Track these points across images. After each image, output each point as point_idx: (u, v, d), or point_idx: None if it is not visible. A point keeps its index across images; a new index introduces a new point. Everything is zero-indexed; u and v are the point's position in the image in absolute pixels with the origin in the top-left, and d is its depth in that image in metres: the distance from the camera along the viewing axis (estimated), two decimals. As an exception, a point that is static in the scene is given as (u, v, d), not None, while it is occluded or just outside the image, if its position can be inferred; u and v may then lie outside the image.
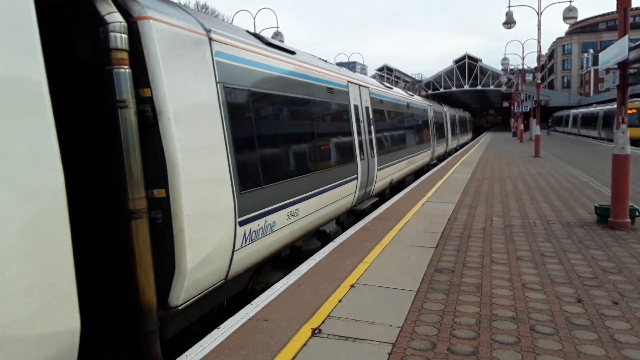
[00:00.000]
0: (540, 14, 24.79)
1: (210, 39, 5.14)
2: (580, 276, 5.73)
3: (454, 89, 69.33)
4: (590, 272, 5.87)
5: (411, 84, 71.98)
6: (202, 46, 4.97)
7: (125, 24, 3.98)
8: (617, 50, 7.97)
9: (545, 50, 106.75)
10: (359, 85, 11.13)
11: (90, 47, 4.18)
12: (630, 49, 7.56)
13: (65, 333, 3.20)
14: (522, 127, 42.80)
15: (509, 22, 23.43)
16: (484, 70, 67.67)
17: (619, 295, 5.09)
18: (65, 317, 3.19)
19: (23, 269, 2.91)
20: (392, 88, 16.71)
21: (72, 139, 3.81)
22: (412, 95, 21.59)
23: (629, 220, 8.17)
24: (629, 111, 10.04)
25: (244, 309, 4.85)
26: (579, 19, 22.72)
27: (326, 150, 8.57)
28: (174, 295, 4.35)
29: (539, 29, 25.34)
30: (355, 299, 5.09)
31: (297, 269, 6.24)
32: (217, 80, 5.15)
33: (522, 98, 42.44)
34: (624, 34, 7.69)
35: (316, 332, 4.28)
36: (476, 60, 68.30)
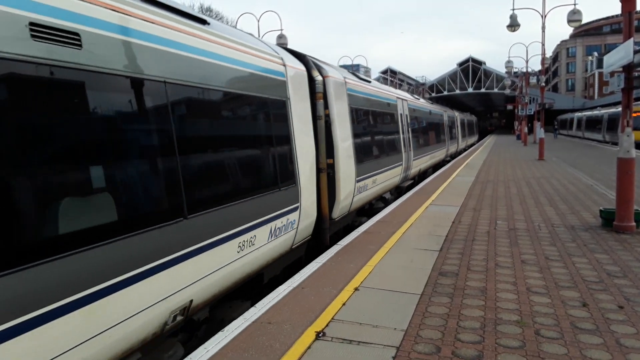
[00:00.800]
0: (545, 16, 24.77)
1: (345, 82, 9.63)
2: (585, 280, 5.70)
3: (457, 91, 69.27)
4: (595, 276, 5.84)
5: (415, 87, 71.92)
6: (343, 86, 9.44)
7: (322, 80, 8.14)
8: (622, 53, 7.94)
9: (549, 53, 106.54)
10: (402, 99, 15.66)
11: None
12: (636, 52, 7.53)
13: (314, 216, 7.65)
14: (526, 130, 42.66)
15: (513, 25, 23.42)
16: (487, 73, 67.60)
17: (625, 299, 5.06)
18: (314, 210, 7.68)
19: (312, 190, 7.49)
20: (419, 99, 22.28)
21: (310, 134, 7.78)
22: (432, 103, 26.24)
23: (634, 224, 8.13)
24: (634, 114, 10.00)
25: (248, 311, 4.85)
26: (584, 21, 22.67)
27: (389, 143, 13.01)
28: (334, 213, 8.55)
29: (543, 31, 25.29)
30: (359, 302, 5.08)
31: (301, 271, 6.23)
32: (348, 103, 9.58)
33: (526, 101, 42.32)
34: (629, 37, 7.66)
35: (320, 335, 4.27)
36: (480, 63, 68.24)
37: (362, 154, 10.12)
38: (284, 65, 6.86)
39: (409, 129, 16.14)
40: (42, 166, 3.05)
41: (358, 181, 9.64)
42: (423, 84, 74.09)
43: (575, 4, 21.46)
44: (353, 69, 49.84)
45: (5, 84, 2.87)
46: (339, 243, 7.71)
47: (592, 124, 47.74)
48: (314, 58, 8.79)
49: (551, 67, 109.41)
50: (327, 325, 4.49)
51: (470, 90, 68.18)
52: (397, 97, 15.17)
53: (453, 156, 29.82)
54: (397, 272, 6.09)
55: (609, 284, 5.55)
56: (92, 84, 3.47)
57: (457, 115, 34.32)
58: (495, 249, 7.22)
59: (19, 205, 2.89)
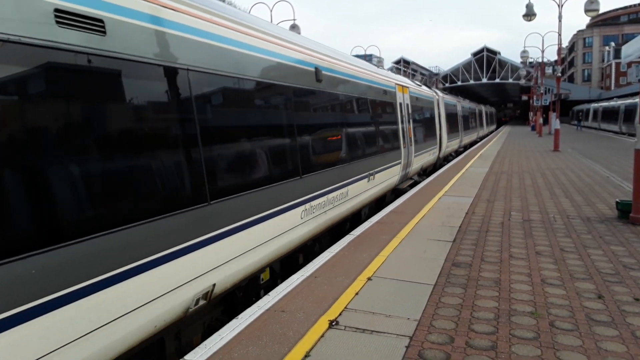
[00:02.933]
0: (562, 6, 24.34)
1: (438, 96, 19.65)
2: (600, 272, 5.64)
3: (471, 82, 68.58)
4: (611, 268, 5.78)
5: (428, 77, 71.34)
6: (437, 99, 19.16)
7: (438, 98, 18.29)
8: (641, 43, 7.80)
9: (565, 43, 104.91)
10: (459, 102, 21.53)
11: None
12: (656, 41, 7.40)
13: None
14: (541, 120, 42.15)
15: (529, 14, 23.08)
16: (502, 63, 66.79)
17: (641, 291, 5.00)
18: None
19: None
20: (460, 99, 29.82)
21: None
22: (464, 100, 33.00)
23: (651, 216, 8.02)
24: (653, 105, 9.83)
25: (262, 299, 4.88)
26: (601, 11, 22.23)
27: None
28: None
29: (560, 21, 24.88)
30: (372, 292, 5.08)
31: (314, 261, 6.25)
32: (438, 108, 18.85)
33: (542, 91, 41.80)
34: (650, 26, 7.51)
35: (333, 324, 4.29)
36: (495, 53, 67.43)
37: (441, 134, 18.01)
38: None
39: (443, 120, 20.40)
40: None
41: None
42: (437, 74, 73.48)
43: (593, -7, 21.02)
44: (366, 59, 49.52)
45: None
46: (351, 233, 7.70)
47: (609, 115, 47.01)
48: None
49: (567, 58, 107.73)
50: (340, 314, 4.50)
51: (484, 80, 67.47)
52: (457, 101, 22.34)
53: (482, 138, 38.83)
54: (410, 263, 6.08)
55: (625, 276, 5.49)
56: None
57: (483, 107, 43.59)
58: (509, 240, 7.17)
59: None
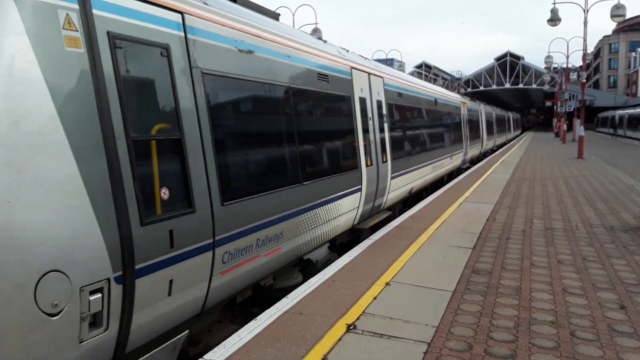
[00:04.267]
0: (587, 11, 23.98)
1: (480, 107, 24.86)
2: (623, 282, 5.55)
3: (494, 87, 67.88)
4: (634, 279, 5.67)
5: (450, 82, 70.83)
6: (480, 109, 24.40)
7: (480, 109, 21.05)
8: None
9: (590, 49, 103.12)
10: (483, 108, 22.84)
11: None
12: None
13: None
14: (565, 127, 41.51)
15: (554, 19, 22.79)
16: (526, 69, 65.96)
17: (666, 303, 4.90)
18: None
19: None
20: (494, 108, 35.37)
21: None
22: (497, 108, 37.57)
23: (678, 226, 7.84)
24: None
25: (280, 302, 4.92)
26: (627, 16, 21.80)
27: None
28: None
29: (585, 26, 24.50)
30: (390, 297, 5.08)
31: (332, 265, 6.27)
32: (481, 115, 24.56)
33: (566, 97, 41.17)
34: (678, 32, 7.36)
35: (351, 328, 4.30)
36: (518, 57, 66.64)
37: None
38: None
39: (485, 125, 25.75)
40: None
41: None
42: (459, 79, 72.90)
43: (619, -2, 20.67)
44: (387, 64, 49.44)
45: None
46: (370, 237, 7.71)
47: (634, 122, 46.02)
48: None
49: (592, 63, 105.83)
50: (357, 318, 4.52)
51: (507, 85, 66.69)
52: (480, 106, 25.09)
53: (510, 140, 44.65)
54: (429, 268, 6.06)
55: (650, 287, 5.39)
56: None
57: (510, 114, 49.24)
58: (530, 248, 7.09)
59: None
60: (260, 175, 5.29)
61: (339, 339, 4.08)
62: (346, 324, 4.36)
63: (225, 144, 4.65)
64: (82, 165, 3.08)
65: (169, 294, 3.78)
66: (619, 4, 20.39)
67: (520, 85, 65.94)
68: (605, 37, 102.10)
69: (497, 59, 68.26)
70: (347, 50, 9.00)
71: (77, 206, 3.05)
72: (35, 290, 2.78)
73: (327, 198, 6.75)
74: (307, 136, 6.39)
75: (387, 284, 5.48)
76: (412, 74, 69.70)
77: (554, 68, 50.85)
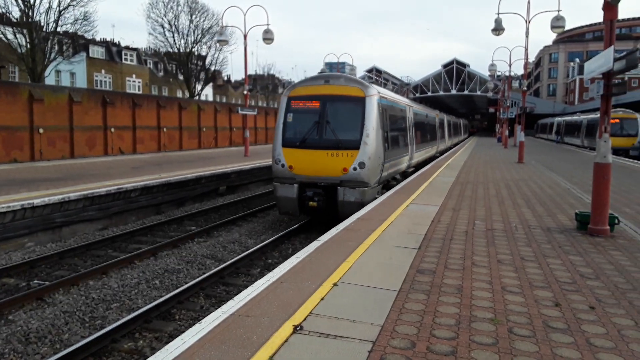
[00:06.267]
0: (529, 21, 25.09)
1: (442, 116, 34.88)
2: (558, 281, 5.83)
3: (441, 93, 69.78)
4: (568, 277, 5.97)
5: (399, 87, 72.25)
6: (443, 118, 36.15)
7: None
8: (602, 61, 8.10)
9: (532, 58, 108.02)
10: (445, 117, 35.50)
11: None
12: (615, 59, 7.69)
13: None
14: (507, 133, 43.24)
15: (498, 29, 23.69)
16: (471, 76, 68.19)
17: (596, 300, 5.19)
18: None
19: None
20: (451, 117, 46.04)
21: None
22: (448, 114, 44.11)
23: (608, 227, 8.32)
24: (612, 121, 10.21)
25: (226, 304, 4.85)
26: (567, 28, 23.01)
27: (431, 133, 26.29)
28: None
29: (527, 36, 25.63)
30: (337, 297, 5.11)
31: (280, 266, 6.25)
32: (442, 121, 33.88)
33: (508, 104, 42.89)
34: (610, 45, 7.82)
35: (298, 329, 4.29)
36: (464, 65, 68.79)
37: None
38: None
39: (445, 128, 35.51)
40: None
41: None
42: (408, 84, 74.46)
43: (559, 10, 21.78)
44: (339, 67, 49.62)
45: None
46: (319, 239, 7.73)
47: (571, 129, 48.59)
48: None
49: (533, 72, 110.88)
50: (305, 319, 4.52)
51: (453, 92, 68.73)
52: (439, 116, 35.89)
53: (459, 143, 50.36)
54: (375, 269, 6.14)
55: (582, 285, 5.69)
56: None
57: (461, 120, 62.09)
58: (472, 248, 7.32)
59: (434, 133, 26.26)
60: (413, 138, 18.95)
61: (286, 340, 4.06)
62: (293, 325, 4.35)
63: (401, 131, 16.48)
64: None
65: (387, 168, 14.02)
66: (559, 16, 21.44)
67: (466, 92, 68.12)
68: (545, 47, 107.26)
69: (445, 66, 70.21)
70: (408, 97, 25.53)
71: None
72: (382, 168, 13.07)
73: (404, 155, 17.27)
74: (416, 131, 20.06)
75: (335, 284, 5.52)
76: (363, 77, 70.64)
77: (498, 76, 52.87)
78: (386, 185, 14.71)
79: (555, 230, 8.73)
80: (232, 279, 9.26)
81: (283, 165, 12.46)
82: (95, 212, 13.30)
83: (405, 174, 17.98)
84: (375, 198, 12.42)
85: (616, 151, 25.30)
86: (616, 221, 8.53)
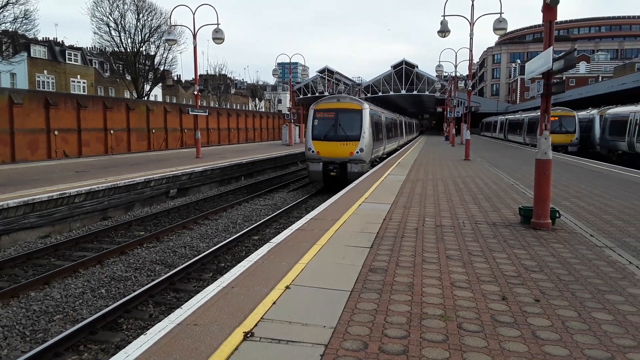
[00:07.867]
0: (473, 24, 25.85)
1: (401, 118, 43.70)
2: (504, 274, 5.99)
3: (392, 93, 70.89)
4: (514, 271, 6.14)
5: (351, 87, 72.84)
6: (402, 120, 43.87)
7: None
8: (542, 61, 8.41)
9: (477, 59, 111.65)
10: (404, 119, 45.99)
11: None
12: (554, 60, 8.00)
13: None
14: (454, 131, 44.44)
15: (444, 31, 24.23)
16: (420, 76, 69.61)
17: (540, 292, 5.35)
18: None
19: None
20: (405, 117, 51.76)
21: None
22: (405, 116, 52.49)
23: (550, 221, 8.65)
24: (552, 118, 10.63)
25: (174, 313, 4.68)
26: (508, 30, 23.86)
27: (395, 131, 34.98)
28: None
29: (471, 38, 26.39)
30: (290, 301, 5.04)
31: (232, 270, 6.11)
32: (401, 122, 42.34)
33: (455, 104, 44.09)
34: (549, 46, 8.13)
35: (248, 335, 4.19)
36: (413, 66, 70.11)
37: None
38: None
39: (390, 129, 34.65)
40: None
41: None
42: (359, 85, 75.17)
43: (501, 13, 22.53)
44: (290, 67, 49.47)
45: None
46: (271, 241, 7.63)
47: (514, 127, 50.55)
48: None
49: (478, 73, 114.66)
50: (256, 325, 4.42)
51: (403, 92, 69.93)
52: (402, 118, 44.66)
53: (408, 142, 51.00)
54: (328, 269, 6.11)
55: (527, 278, 5.87)
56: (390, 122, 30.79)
57: (413, 120, 66.54)
58: (422, 245, 7.43)
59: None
60: (385, 134, 27.31)
61: (236, 348, 3.95)
62: (243, 332, 4.24)
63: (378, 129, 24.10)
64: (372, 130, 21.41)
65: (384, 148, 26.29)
66: (501, 19, 22.16)
67: (415, 92, 69.44)
68: (489, 48, 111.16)
69: (394, 67, 71.32)
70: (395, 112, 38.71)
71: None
72: (372, 152, 21.41)
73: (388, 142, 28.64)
74: (387, 130, 28.88)
75: (288, 287, 5.44)
76: (315, 78, 70.88)
77: (444, 76, 54.29)
78: (372, 164, 22.41)
79: (501, 224, 9.00)
80: (183, 285, 9.01)
81: (313, 152, 19.94)
82: (36, 219, 12.65)
83: (381, 158, 25.92)
84: (368, 170, 19.44)
85: (556, 147, 26.46)
86: (557, 215, 8.88)
